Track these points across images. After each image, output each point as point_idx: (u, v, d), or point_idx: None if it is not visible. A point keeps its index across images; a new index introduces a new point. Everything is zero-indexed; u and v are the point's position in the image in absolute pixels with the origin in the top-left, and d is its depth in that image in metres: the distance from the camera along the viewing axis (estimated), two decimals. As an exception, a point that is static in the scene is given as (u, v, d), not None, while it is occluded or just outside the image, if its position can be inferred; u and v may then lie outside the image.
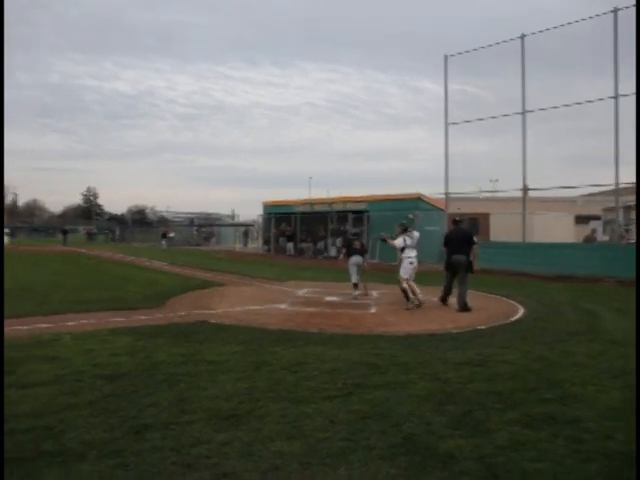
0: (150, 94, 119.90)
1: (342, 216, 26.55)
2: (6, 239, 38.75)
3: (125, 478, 3.17)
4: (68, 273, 17.26)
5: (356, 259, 11.90)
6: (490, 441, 3.67)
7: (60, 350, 6.20)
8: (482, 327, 8.23)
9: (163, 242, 40.18)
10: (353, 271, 11.88)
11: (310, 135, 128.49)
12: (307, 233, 29.21)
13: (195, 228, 50.29)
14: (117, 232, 57.63)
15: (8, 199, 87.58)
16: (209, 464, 3.30)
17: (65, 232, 47.57)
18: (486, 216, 25.11)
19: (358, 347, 6.62)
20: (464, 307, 9.95)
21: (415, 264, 10.16)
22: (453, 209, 20.10)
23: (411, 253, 10.14)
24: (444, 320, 8.97)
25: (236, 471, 3.21)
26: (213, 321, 8.39)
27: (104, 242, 52.81)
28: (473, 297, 10.62)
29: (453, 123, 20.40)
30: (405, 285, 9.88)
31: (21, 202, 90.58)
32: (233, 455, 3.42)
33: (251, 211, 45.60)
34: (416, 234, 10.63)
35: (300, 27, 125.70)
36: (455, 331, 7.93)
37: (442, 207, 22.04)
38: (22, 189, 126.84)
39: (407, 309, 9.81)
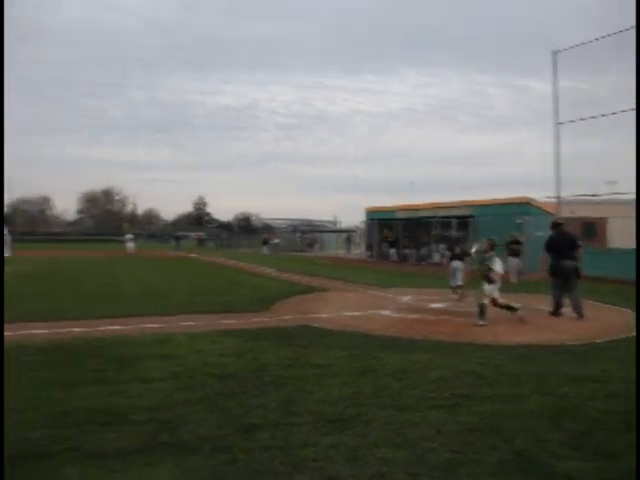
0: (252, 106, 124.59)
1: (446, 222, 25.93)
2: (132, 244, 42.13)
3: (235, 474, 3.28)
4: (181, 277, 18.34)
5: (456, 264, 12.74)
6: (614, 466, 3.39)
7: (175, 349, 6.58)
8: (600, 340, 7.65)
9: (264, 248, 41.62)
10: (453, 275, 12.75)
11: (410, 140, 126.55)
12: (410, 239, 28.84)
13: (298, 235, 51.46)
14: (225, 238, 60.42)
15: (128, 208, 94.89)
16: (315, 467, 3.33)
17: (178, 238, 50.67)
18: (603, 220, 23.39)
19: (464, 356, 6.41)
20: (581, 313, 9.41)
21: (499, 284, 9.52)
22: (566, 213, 18.93)
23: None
24: (557, 331, 8.45)
25: (341, 475, 3.21)
26: (317, 325, 8.52)
27: (213, 248, 55.49)
28: (589, 307, 9.92)
29: (564, 122, 19.25)
30: (485, 301, 9.23)
31: (140, 211, 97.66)
32: (339, 459, 3.43)
33: (353, 217, 45.86)
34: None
35: (396, 32, 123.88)
36: (569, 343, 7.43)
37: (553, 211, 20.83)
38: (140, 199, 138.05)
39: (477, 325, 8.85)
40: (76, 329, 7.92)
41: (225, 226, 79.47)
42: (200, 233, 65.16)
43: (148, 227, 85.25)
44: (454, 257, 12.99)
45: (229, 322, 8.80)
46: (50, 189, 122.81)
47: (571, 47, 19.09)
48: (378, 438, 3.76)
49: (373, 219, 32.16)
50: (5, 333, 7.21)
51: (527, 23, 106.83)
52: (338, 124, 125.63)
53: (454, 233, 24.94)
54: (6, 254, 18.46)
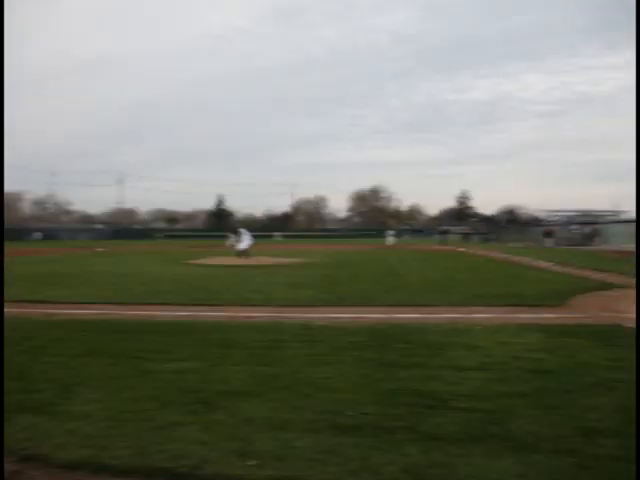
0: (506, 98, 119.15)
1: None
2: (392, 239, 45.27)
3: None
4: (456, 269, 18.18)
5: None
6: None
7: (477, 340, 6.39)
8: None
9: (547, 241, 40.03)
10: None
11: None
12: None
13: (574, 227, 46.91)
14: (490, 232, 58.68)
15: (393, 205, 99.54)
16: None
17: (444, 232, 51.18)
18: None
19: None
20: None
21: None
22: None
23: None
24: None
25: None
26: (630, 326, 7.40)
27: (478, 242, 54.25)
28: None
29: None
30: None
31: (404, 207, 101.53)
32: None
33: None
34: None
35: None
36: None
37: None
38: (404, 195, 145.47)
39: None
40: (375, 315, 8.39)
41: (489, 220, 77.20)
42: (466, 227, 64.52)
43: (412, 222, 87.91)
44: None
45: (524, 316, 8.27)
46: (325, 190, 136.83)
47: None
48: None
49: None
50: (331, 316, 8.04)
51: None
52: (604, 105, 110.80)
53: None
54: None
